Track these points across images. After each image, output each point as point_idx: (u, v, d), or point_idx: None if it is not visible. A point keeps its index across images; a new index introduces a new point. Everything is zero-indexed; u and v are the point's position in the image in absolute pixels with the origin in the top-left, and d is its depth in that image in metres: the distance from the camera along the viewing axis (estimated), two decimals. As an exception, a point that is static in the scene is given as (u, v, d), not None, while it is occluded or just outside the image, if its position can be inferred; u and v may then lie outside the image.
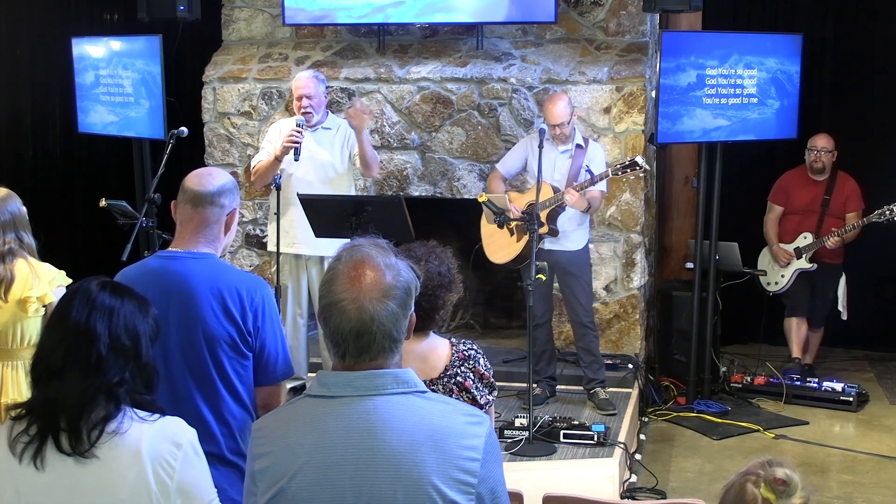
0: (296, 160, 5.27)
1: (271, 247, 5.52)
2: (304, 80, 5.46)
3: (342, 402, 1.84)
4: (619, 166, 5.23)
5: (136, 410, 2.08)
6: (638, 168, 5.15)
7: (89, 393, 2.03)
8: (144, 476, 2.02)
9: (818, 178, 6.48)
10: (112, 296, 2.13)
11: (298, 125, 5.30)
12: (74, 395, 2.02)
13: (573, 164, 5.38)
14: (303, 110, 5.39)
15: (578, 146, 5.42)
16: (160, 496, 2.03)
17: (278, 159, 5.31)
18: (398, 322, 1.85)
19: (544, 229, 5.33)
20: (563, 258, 5.45)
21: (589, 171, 5.31)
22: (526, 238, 5.38)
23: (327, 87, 5.67)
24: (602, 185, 5.39)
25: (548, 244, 5.41)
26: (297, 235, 5.33)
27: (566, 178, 5.37)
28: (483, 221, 5.61)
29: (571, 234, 5.45)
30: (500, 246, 5.49)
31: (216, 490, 2.16)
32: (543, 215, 5.32)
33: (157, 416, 2.10)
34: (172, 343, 2.70)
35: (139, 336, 2.12)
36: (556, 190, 5.33)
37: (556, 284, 5.64)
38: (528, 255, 5.38)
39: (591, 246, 5.74)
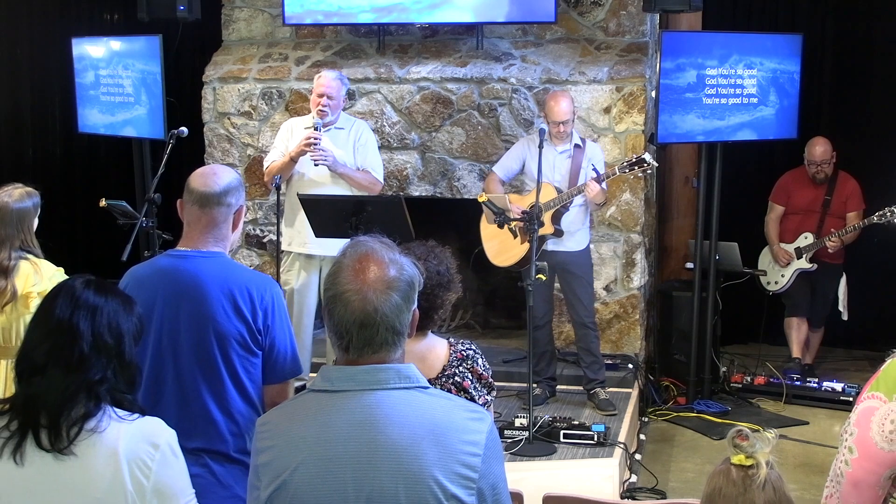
0: (315, 166, 5.25)
1: (284, 246, 5.52)
2: (328, 80, 5.41)
3: (345, 396, 1.85)
4: (626, 164, 5.21)
5: (115, 409, 2.07)
6: (646, 165, 5.12)
7: (70, 390, 2.03)
8: (120, 475, 2.02)
9: (819, 179, 6.50)
10: (96, 294, 2.13)
11: (316, 128, 5.26)
12: (55, 391, 2.03)
13: (573, 163, 5.37)
14: (320, 108, 5.35)
15: (577, 146, 5.41)
16: (136, 496, 2.03)
17: (293, 160, 5.30)
18: (401, 314, 1.86)
19: (549, 230, 5.32)
20: (566, 258, 5.44)
21: (595, 168, 5.27)
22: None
23: (348, 91, 5.64)
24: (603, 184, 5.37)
25: (550, 245, 5.40)
26: (309, 235, 5.28)
27: (567, 178, 5.37)
28: (483, 224, 5.58)
29: (575, 235, 5.44)
30: (503, 248, 5.46)
31: (194, 491, 2.15)
32: (548, 216, 5.31)
33: (136, 415, 2.10)
34: (183, 341, 2.72)
35: (122, 335, 2.12)
36: (559, 191, 5.32)
37: (557, 285, 5.64)
38: (531, 257, 5.37)
39: (591, 246, 5.74)
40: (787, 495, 2.03)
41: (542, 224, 5.24)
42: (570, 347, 6.19)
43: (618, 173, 5.23)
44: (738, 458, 2.03)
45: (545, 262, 5.12)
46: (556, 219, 5.34)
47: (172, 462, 2.09)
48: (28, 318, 3.87)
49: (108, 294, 2.15)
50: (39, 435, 2.02)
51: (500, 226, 5.18)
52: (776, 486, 2.02)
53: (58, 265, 4.03)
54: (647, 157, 5.13)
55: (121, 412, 2.08)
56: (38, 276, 3.88)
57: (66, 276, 3.97)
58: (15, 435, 2.03)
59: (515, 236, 5.35)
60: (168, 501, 2.07)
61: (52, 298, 2.12)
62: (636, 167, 5.15)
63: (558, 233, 5.35)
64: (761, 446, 2.02)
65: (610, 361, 5.93)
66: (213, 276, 2.75)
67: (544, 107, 5.52)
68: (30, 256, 3.92)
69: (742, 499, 2.01)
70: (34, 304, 3.86)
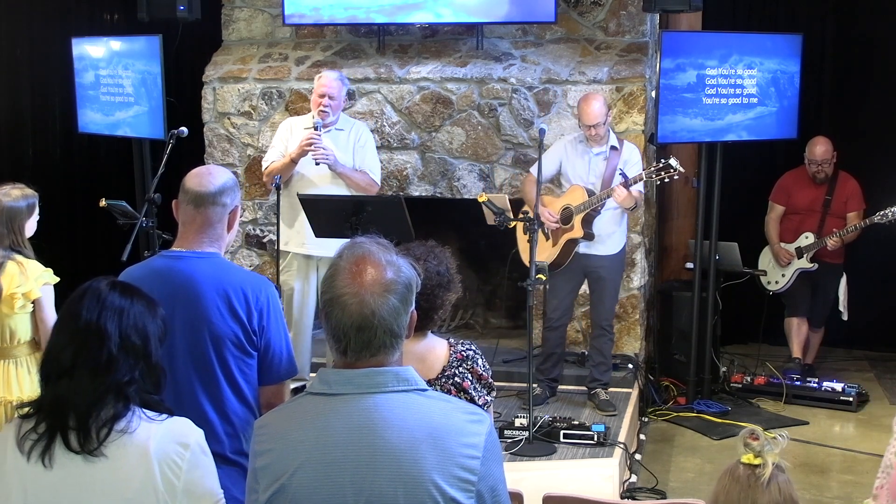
0: (317, 164, 5.25)
1: (282, 246, 5.52)
2: (329, 80, 5.41)
3: (343, 399, 1.84)
4: (653, 169, 5.16)
5: (144, 410, 2.08)
6: (672, 170, 5.07)
7: (99, 392, 2.03)
8: (152, 475, 2.02)
9: (820, 179, 6.49)
10: (122, 296, 2.13)
11: (316, 128, 5.25)
12: (84, 393, 2.03)
13: (608, 165, 5.32)
14: (321, 108, 5.34)
15: (613, 148, 5.36)
16: (167, 496, 2.04)
17: (294, 161, 5.29)
18: (399, 317, 1.86)
19: (579, 233, 5.30)
20: (597, 262, 5.41)
21: (623, 174, 5.21)
22: (562, 242, 5.35)
23: (348, 91, 5.62)
24: (640, 185, 5.30)
25: (583, 248, 5.36)
26: (307, 236, 5.29)
27: (601, 180, 5.32)
28: (519, 226, 5.52)
29: (608, 239, 5.40)
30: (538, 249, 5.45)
31: (222, 492, 2.16)
32: (578, 219, 5.29)
33: (165, 416, 2.11)
34: (178, 342, 2.71)
35: (148, 336, 2.13)
36: (590, 193, 5.29)
37: (584, 289, 5.61)
38: (564, 259, 5.35)
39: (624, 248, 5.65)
40: (794, 498, 2.03)
41: (571, 227, 5.23)
42: (571, 348, 6.19)
43: (644, 179, 5.20)
44: (746, 457, 2.04)
45: (545, 262, 5.12)
46: (587, 222, 5.31)
47: (203, 461, 2.10)
48: (12, 319, 3.89)
49: (134, 296, 2.16)
50: (68, 437, 2.02)
51: (501, 226, 5.17)
52: (783, 489, 2.02)
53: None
54: (674, 162, 5.07)
55: (150, 413, 2.08)
56: (24, 277, 3.86)
57: (55, 278, 3.97)
58: (43, 437, 2.03)
59: (548, 238, 5.33)
60: (199, 501, 2.08)
61: (78, 300, 2.12)
62: (662, 172, 5.11)
63: (588, 236, 5.32)
64: (771, 447, 2.03)
65: (610, 361, 5.93)
66: (207, 276, 2.74)
67: (577, 110, 5.45)
68: (17, 257, 3.91)
69: (744, 495, 2.02)
70: (18, 304, 3.86)
